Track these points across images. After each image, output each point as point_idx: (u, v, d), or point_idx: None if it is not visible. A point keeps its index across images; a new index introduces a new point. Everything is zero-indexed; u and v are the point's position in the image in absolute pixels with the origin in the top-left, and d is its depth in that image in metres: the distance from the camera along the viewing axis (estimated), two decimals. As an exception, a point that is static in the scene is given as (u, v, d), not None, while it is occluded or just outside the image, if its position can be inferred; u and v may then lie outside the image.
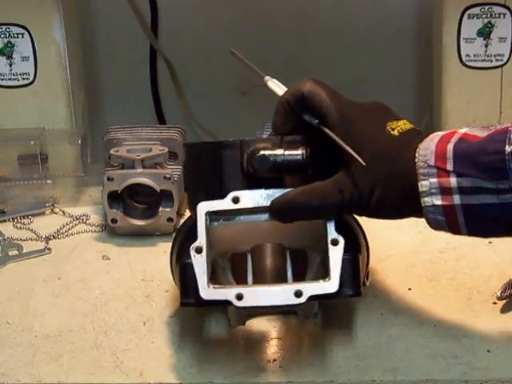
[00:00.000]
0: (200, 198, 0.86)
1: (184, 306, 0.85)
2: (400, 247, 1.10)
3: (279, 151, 0.85)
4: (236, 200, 0.85)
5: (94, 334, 0.93)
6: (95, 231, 1.17)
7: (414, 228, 1.15)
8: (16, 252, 1.11)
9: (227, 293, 0.82)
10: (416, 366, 0.87)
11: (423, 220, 1.17)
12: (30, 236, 1.15)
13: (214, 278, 0.84)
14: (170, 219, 1.12)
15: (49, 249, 1.11)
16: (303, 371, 0.86)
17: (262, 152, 0.85)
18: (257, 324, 0.94)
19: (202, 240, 0.84)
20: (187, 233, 0.88)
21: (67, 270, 1.06)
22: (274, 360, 0.88)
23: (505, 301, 0.96)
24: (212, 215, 0.86)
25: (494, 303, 0.96)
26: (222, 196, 0.85)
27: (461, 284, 1.01)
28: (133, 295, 1.00)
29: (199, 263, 0.83)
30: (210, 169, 0.88)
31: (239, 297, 0.81)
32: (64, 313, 0.97)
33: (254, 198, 0.85)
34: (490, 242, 1.10)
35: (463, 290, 1.00)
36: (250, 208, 0.85)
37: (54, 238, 1.15)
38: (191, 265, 0.83)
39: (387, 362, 0.87)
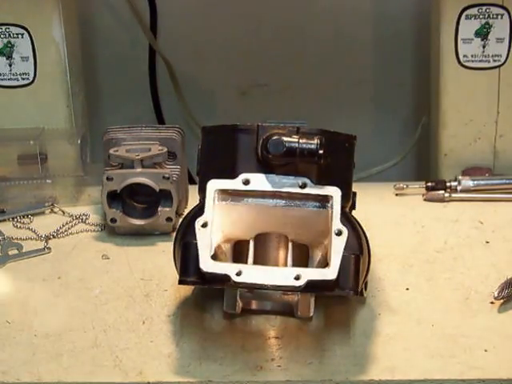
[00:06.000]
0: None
1: (182, 283, 0.86)
2: (398, 247, 1.10)
3: (295, 138, 0.86)
4: (246, 182, 0.86)
5: (93, 333, 0.94)
6: (95, 231, 1.17)
7: (411, 228, 1.15)
8: (16, 251, 1.11)
9: (227, 267, 0.82)
10: (414, 365, 0.87)
11: (421, 220, 1.18)
12: (29, 235, 1.16)
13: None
14: (169, 219, 1.12)
15: (48, 248, 1.12)
16: (301, 370, 0.87)
17: (277, 136, 0.86)
18: (255, 323, 0.94)
19: (208, 215, 0.85)
20: (193, 216, 0.89)
21: (67, 270, 1.07)
22: (273, 359, 0.89)
23: (502, 300, 0.96)
24: (221, 194, 0.87)
25: (492, 303, 0.97)
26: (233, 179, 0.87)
27: (458, 284, 1.01)
28: (132, 294, 1.01)
29: (203, 237, 0.83)
30: (224, 152, 0.90)
31: (238, 273, 0.82)
32: (64, 312, 0.98)
33: (264, 182, 0.87)
34: (488, 242, 1.11)
35: (461, 289, 1.00)
36: (259, 191, 0.87)
37: (54, 237, 1.15)
38: (193, 244, 0.84)
39: (385, 362, 0.88)
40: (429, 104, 1.39)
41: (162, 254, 1.09)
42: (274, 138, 0.86)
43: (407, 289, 1.01)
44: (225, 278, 0.82)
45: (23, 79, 1.26)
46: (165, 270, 1.04)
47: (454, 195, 1.23)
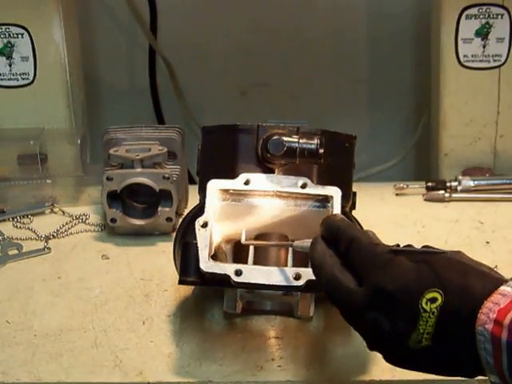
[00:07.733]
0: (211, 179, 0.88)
1: (182, 283, 0.86)
2: (398, 247, 1.10)
3: (295, 138, 0.86)
4: (246, 182, 0.87)
5: (93, 333, 0.94)
6: (95, 231, 1.17)
7: (411, 228, 1.15)
8: (16, 251, 1.12)
9: (227, 267, 0.82)
10: (413, 365, 0.87)
11: (421, 220, 1.18)
12: (29, 235, 1.16)
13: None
14: (168, 219, 1.12)
15: (48, 248, 1.12)
16: (301, 370, 0.87)
17: (277, 136, 0.86)
18: (255, 323, 0.94)
19: (208, 215, 0.85)
20: (193, 216, 0.89)
21: (67, 270, 1.07)
22: (273, 359, 0.89)
23: (502, 300, 0.96)
24: (221, 194, 0.87)
25: (492, 303, 0.96)
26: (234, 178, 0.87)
27: (458, 284, 1.01)
28: (132, 294, 1.01)
29: (203, 237, 0.83)
30: (224, 152, 0.90)
31: (238, 272, 0.82)
32: (64, 312, 0.98)
33: (264, 181, 0.87)
34: (488, 242, 1.11)
35: (461, 289, 1.00)
36: (259, 191, 0.87)
37: (54, 237, 1.15)
38: (193, 244, 0.84)
39: (385, 362, 0.88)
40: (429, 104, 1.39)
41: (162, 254, 1.09)
42: (274, 138, 0.86)
43: (407, 289, 1.00)
44: (225, 278, 0.82)
45: (23, 79, 1.26)
46: (165, 270, 1.04)
47: (454, 195, 1.23)
